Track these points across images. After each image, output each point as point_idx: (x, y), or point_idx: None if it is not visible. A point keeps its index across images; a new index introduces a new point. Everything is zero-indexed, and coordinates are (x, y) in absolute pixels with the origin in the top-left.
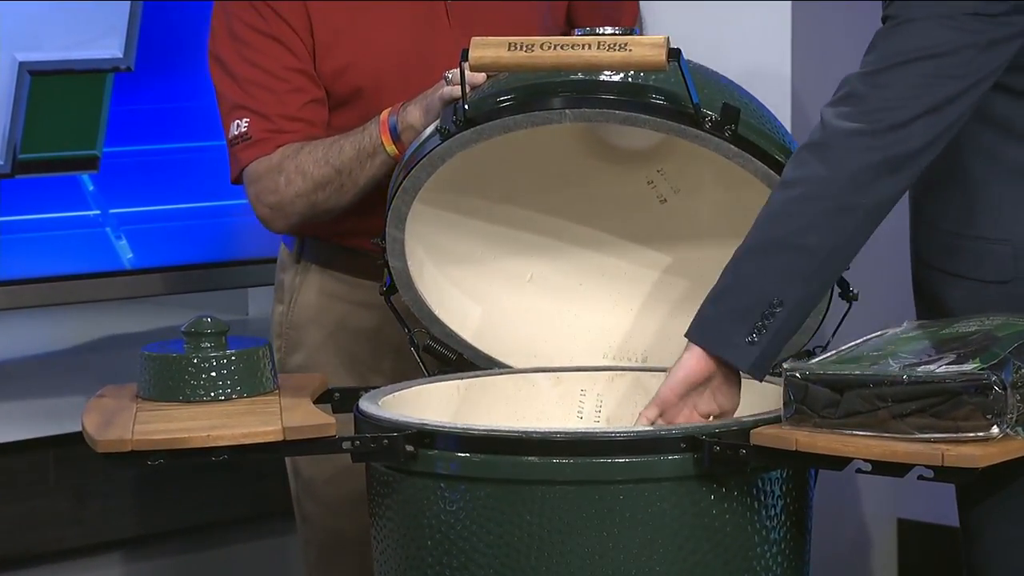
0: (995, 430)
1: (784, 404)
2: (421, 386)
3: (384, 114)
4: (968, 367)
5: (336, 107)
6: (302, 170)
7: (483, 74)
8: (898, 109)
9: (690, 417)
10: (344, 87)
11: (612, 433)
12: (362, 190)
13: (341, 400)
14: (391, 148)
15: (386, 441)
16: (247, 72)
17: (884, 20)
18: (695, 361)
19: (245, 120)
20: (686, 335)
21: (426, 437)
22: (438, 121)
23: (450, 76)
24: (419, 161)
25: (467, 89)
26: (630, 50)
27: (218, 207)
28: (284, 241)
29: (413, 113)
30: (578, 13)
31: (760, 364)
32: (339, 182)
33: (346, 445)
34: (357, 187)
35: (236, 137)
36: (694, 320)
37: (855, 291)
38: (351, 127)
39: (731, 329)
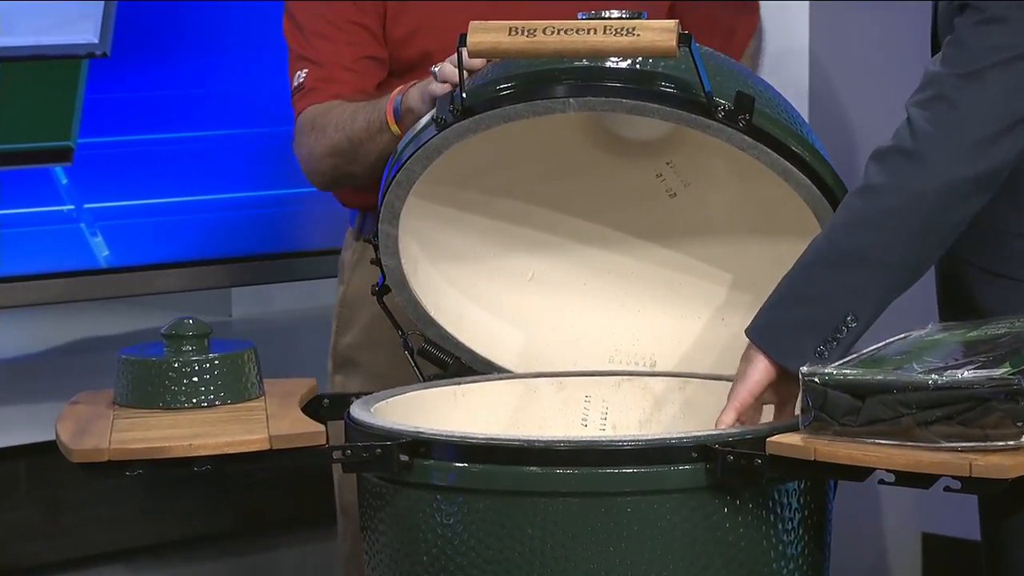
0: None
1: (802, 411)
2: (416, 392)
3: (393, 93)
4: (998, 372)
5: (405, 72)
6: (324, 130)
7: (480, 60)
8: (993, 119)
9: (758, 412)
10: (412, 51)
11: (619, 442)
12: (376, 163)
13: (331, 406)
14: (395, 128)
15: (379, 450)
16: (311, 23)
17: (962, 9)
18: (765, 365)
19: (304, 71)
20: (750, 335)
21: (421, 446)
22: (434, 110)
23: (437, 71)
24: (414, 153)
25: (464, 76)
26: (638, 35)
27: (199, 202)
28: (349, 219)
29: (414, 96)
30: (686, 15)
31: None
32: (352, 152)
33: (337, 455)
34: (370, 159)
35: (295, 89)
36: (759, 322)
37: None
38: None
39: (801, 340)
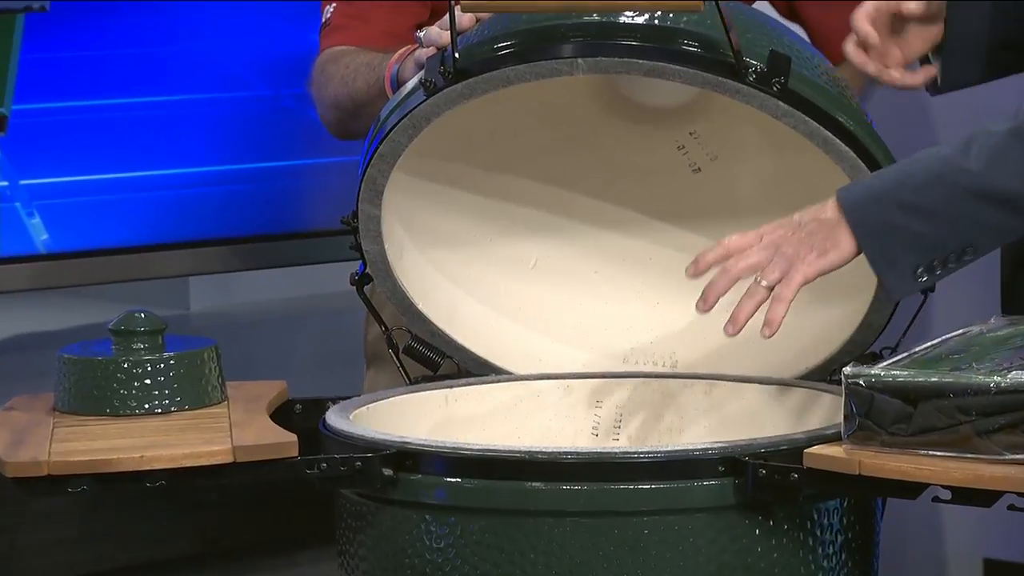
0: None
1: (844, 418)
2: (401, 396)
3: (394, 57)
4: None
5: (444, 12)
6: (330, 79)
7: (470, 17)
8: None
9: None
10: None
11: (634, 454)
12: None
13: (304, 413)
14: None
15: (359, 463)
16: None
17: None
18: (850, 249)
19: (332, 5)
20: (847, 211)
21: (408, 458)
22: (422, 73)
23: (422, 35)
24: (399, 121)
25: (456, 34)
26: None
27: (152, 178)
28: None
29: (409, 68)
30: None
31: (908, 295)
32: (352, 109)
33: (311, 469)
34: (372, 120)
35: (323, 25)
36: (862, 206)
37: None
38: None
39: (906, 252)
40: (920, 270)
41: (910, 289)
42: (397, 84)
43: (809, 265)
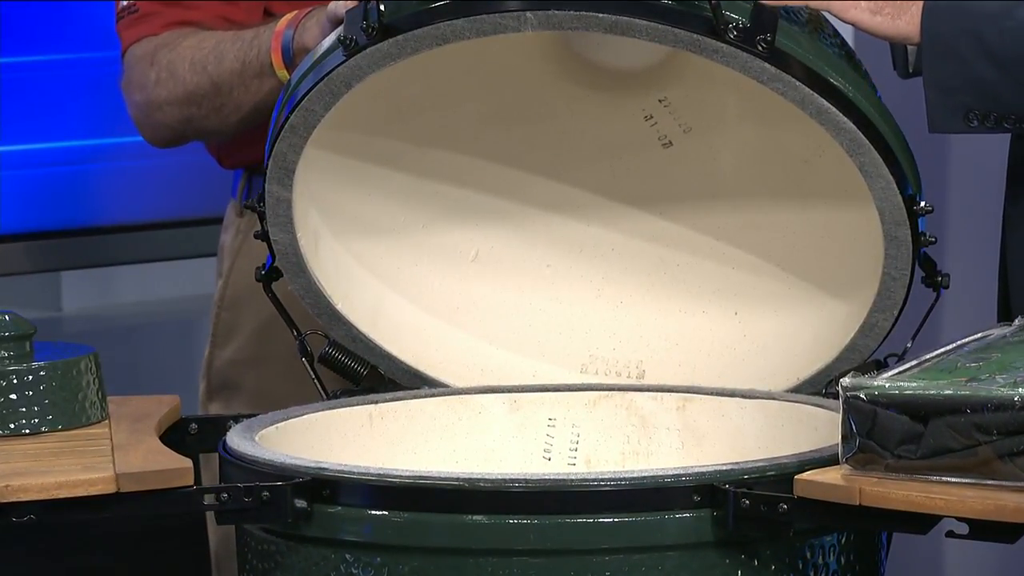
0: None
1: (843, 438)
2: (317, 414)
3: (281, 23)
4: None
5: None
6: (174, 70)
7: None
8: None
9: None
10: None
11: (594, 481)
12: (249, 116)
13: (201, 434)
14: (282, 73)
15: (267, 494)
16: None
17: None
18: (909, 32)
19: None
20: (926, 22)
21: (325, 487)
22: (340, 29)
23: None
24: (314, 86)
25: None
26: None
27: (18, 154)
28: (231, 185)
29: (312, 31)
30: None
31: (948, 132)
32: (216, 100)
33: (209, 499)
34: (240, 112)
35: (123, 9)
36: (943, 23)
37: (945, 275)
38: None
39: (966, 91)
40: (973, 115)
41: (953, 128)
42: (292, 55)
43: (858, 11)
